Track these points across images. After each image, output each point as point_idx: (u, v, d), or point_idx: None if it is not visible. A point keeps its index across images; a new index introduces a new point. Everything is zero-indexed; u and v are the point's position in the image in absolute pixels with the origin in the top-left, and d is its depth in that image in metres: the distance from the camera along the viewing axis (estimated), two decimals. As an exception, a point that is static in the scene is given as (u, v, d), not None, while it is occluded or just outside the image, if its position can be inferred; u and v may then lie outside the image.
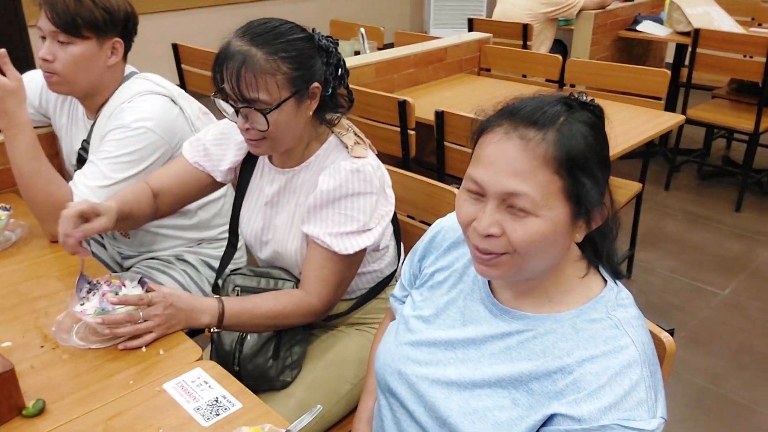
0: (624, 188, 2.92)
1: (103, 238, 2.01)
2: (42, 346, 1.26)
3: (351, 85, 1.45)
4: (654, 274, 3.26)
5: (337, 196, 1.37)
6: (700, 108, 4.03)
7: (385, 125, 2.71)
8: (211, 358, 1.52)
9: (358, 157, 1.39)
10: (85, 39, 1.65)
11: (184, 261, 1.95)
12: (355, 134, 1.45)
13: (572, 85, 3.26)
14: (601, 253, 1.01)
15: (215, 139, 1.58)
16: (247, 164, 1.57)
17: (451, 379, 1.00)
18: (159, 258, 1.94)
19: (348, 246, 1.37)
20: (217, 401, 1.13)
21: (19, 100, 1.57)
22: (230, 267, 1.69)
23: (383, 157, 1.53)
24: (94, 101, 1.78)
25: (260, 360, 1.46)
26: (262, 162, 1.55)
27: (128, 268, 1.95)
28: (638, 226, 3.19)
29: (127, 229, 1.60)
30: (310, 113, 1.37)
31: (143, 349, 1.26)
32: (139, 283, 1.33)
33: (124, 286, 1.30)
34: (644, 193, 3.09)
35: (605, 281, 1.00)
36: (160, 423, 1.08)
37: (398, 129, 2.66)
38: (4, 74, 1.55)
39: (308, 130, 1.42)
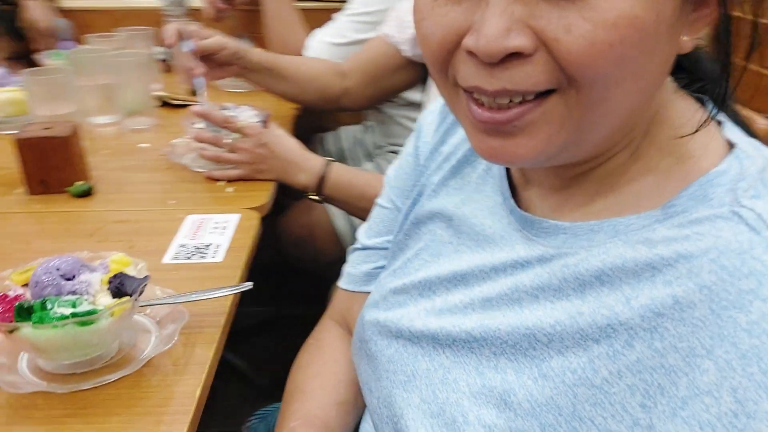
0: None
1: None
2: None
3: None
4: None
5: None
6: None
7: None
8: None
9: None
10: None
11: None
12: None
13: None
14: (716, 79, 0.45)
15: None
16: None
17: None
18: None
19: None
20: (206, 248, 0.88)
21: None
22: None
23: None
24: None
25: None
26: None
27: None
28: None
29: (281, 92, 1.39)
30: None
31: (221, 183, 1.08)
32: (263, 121, 1.14)
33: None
34: None
35: (729, 143, 0.46)
36: (142, 245, 0.90)
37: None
38: None
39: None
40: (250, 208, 0.99)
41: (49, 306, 0.60)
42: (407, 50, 1.24)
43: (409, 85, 1.34)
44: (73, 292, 0.63)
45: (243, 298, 0.76)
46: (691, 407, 0.37)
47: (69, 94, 1.21)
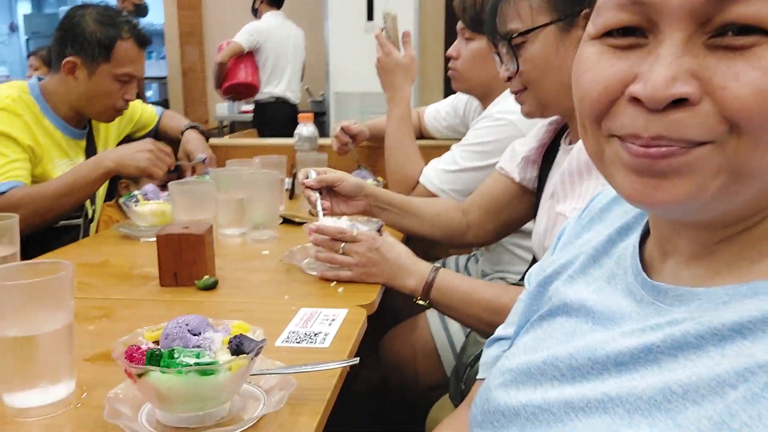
0: None
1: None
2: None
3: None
4: None
5: None
6: None
7: None
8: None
9: None
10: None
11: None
12: None
13: None
14: None
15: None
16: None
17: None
18: (507, 280, 1.73)
19: None
20: (315, 335, 0.93)
21: (407, 77, 1.70)
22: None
23: None
24: (488, 103, 1.76)
25: None
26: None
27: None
28: None
29: (408, 228, 1.45)
30: None
31: (333, 284, 1.15)
32: (378, 230, 1.22)
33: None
34: None
35: None
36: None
37: None
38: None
39: None
40: (358, 305, 1.04)
41: (176, 355, 0.66)
42: (516, 176, 1.30)
43: (527, 216, 1.37)
44: (198, 346, 0.68)
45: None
46: None
47: (208, 205, 1.36)
